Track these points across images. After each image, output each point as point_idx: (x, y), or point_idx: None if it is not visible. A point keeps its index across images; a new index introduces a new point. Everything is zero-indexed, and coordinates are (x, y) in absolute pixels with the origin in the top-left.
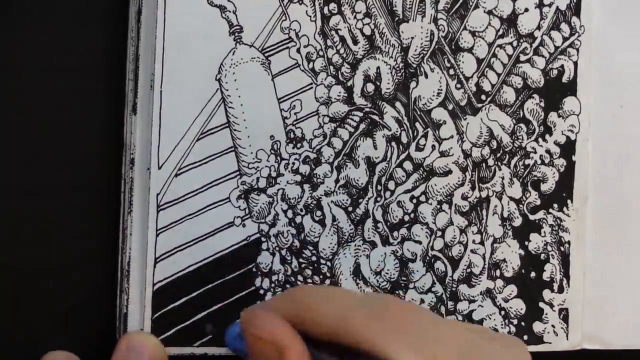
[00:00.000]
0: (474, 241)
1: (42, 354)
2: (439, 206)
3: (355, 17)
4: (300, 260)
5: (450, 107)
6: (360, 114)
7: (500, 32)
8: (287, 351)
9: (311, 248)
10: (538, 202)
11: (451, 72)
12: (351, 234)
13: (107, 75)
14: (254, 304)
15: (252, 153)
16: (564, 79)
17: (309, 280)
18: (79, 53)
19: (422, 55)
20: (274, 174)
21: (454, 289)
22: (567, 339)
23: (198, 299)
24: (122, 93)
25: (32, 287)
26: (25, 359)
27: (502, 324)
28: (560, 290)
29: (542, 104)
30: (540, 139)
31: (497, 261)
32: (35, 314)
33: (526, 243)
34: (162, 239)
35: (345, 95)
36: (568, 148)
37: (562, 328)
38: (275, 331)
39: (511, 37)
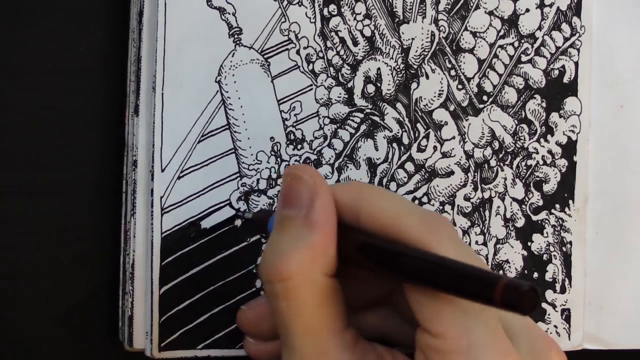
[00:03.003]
0: (477, 242)
1: (42, 354)
2: (441, 207)
3: (355, 19)
4: None
5: (452, 108)
6: (361, 115)
7: (502, 33)
8: (319, 194)
9: None
10: (540, 203)
11: (452, 72)
12: None
13: (108, 76)
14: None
15: (252, 155)
16: (565, 79)
17: None
18: (79, 54)
19: (423, 56)
20: (274, 176)
21: None
22: (569, 340)
23: (201, 302)
24: (124, 94)
25: (32, 287)
26: (25, 359)
27: None
28: (563, 290)
29: (544, 105)
30: (542, 140)
31: (501, 262)
32: (35, 314)
33: (529, 244)
34: (167, 241)
35: (346, 96)
36: (569, 148)
37: (564, 328)
38: (315, 177)
39: (512, 38)
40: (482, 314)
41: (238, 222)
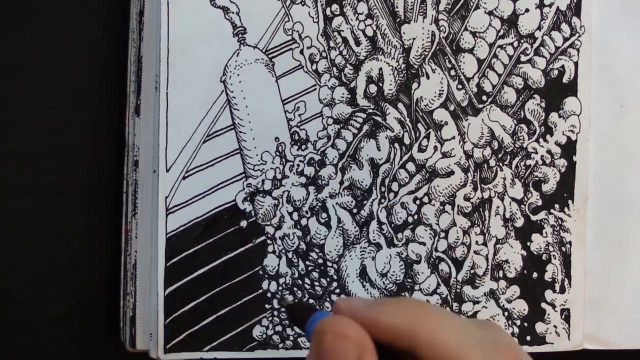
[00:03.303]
0: (477, 242)
1: (42, 354)
2: (442, 207)
3: (357, 18)
4: (307, 262)
5: (452, 107)
6: (364, 116)
7: (501, 33)
8: (367, 353)
9: (317, 250)
10: (539, 203)
11: (452, 72)
12: (356, 236)
13: (108, 76)
14: (352, 297)
15: (257, 155)
16: (565, 79)
17: (316, 283)
18: (79, 54)
19: (423, 56)
20: (279, 176)
21: (458, 290)
22: (569, 339)
23: (206, 303)
24: (124, 94)
25: (32, 287)
26: (25, 359)
27: (505, 325)
28: (562, 290)
29: (543, 105)
30: (541, 140)
31: (500, 262)
32: (35, 314)
33: (528, 244)
34: (172, 242)
35: (349, 96)
36: (569, 148)
37: (564, 328)
38: (361, 333)
39: (512, 38)
40: None
41: (244, 223)
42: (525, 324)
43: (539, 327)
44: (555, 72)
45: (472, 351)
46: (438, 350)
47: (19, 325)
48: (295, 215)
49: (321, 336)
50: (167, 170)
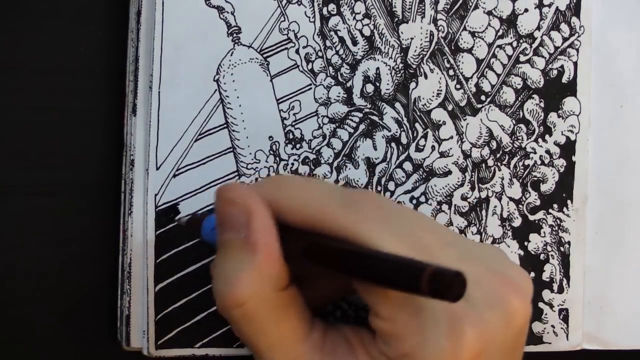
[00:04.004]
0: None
1: (42, 354)
2: (438, 207)
3: (354, 18)
4: None
5: (450, 107)
6: (360, 115)
7: (500, 33)
8: (254, 214)
9: None
10: (538, 203)
11: (451, 72)
12: None
13: (108, 77)
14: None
15: (250, 154)
16: (564, 80)
17: None
18: (79, 54)
19: (421, 55)
20: (273, 175)
21: None
22: (567, 339)
23: (198, 300)
24: (124, 94)
25: (31, 287)
26: (25, 359)
27: None
28: (560, 290)
29: (542, 105)
30: (540, 140)
31: None
32: (35, 314)
33: (525, 243)
34: (161, 239)
35: (345, 96)
36: (568, 148)
37: (562, 328)
38: (246, 196)
39: (511, 38)
40: None
41: None
42: None
43: (536, 326)
44: (555, 72)
45: (328, 206)
46: (298, 213)
47: (18, 325)
48: None
49: (216, 201)
50: (157, 169)
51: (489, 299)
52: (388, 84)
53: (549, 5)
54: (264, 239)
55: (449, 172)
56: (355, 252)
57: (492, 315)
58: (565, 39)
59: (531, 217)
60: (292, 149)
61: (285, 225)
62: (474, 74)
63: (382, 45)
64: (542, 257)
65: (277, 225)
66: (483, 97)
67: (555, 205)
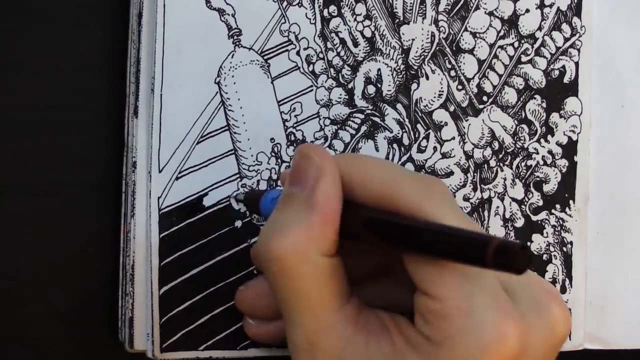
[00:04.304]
0: None
1: (42, 355)
2: None
3: (355, 20)
4: None
5: (452, 108)
6: (362, 116)
7: (502, 33)
8: (325, 175)
9: None
10: (540, 203)
11: (452, 73)
12: None
13: (108, 77)
14: None
15: (252, 156)
16: (566, 80)
17: None
18: (79, 54)
19: (423, 56)
20: (274, 177)
21: None
22: (570, 339)
23: (201, 303)
24: (124, 95)
25: (32, 287)
26: (25, 359)
27: None
28: (563, 290)
29: (544, 105)
30: (542, 140)
31: None
32: (35, 314)
33: (528, 244)
34: (165, 242)
35: (346, 97)
36: (570, 148)
37: None
38: (324, 157)
39: (512, 38)
40: (482, 275)
41: (238, 224)
42: None
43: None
44: (556, 72)
45: (400, 184)
46: (369, 189)
47: (18, 325)
48: None
49: (295, 155)
50: (160, 171)
51: (533, 303)
52: (389, 85)
53: (550, 6)
54: (326, 200)
55: (451, 173)
56: (421, 225)
57: (537, 320)
58: (566, 39)
59: (534, 218)
60: (293, 150)
61: (350, 200)
62: (475, 74)
63: (383, 46)
64: (544, 257)
65: (342, 196)
66: (485, 98)
67: (557, 206)
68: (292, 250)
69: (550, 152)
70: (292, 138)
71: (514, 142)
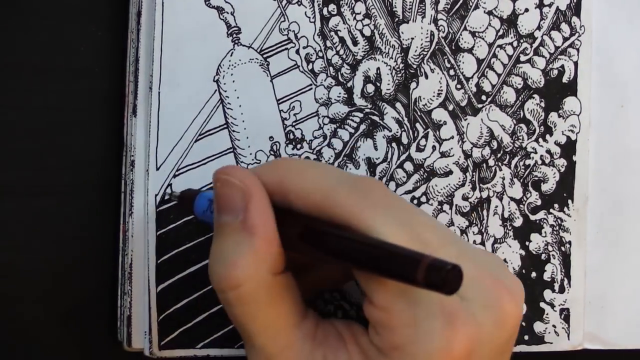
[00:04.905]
0: (474, 242)
1: (42, 354)
2: (439, 207)
3: (354, 18)
4: None
5: (451, 107)
6: (361, 115)
7: (501, 33)
8: (253, 197)
9: None
10: (539, 202)
11: (451, 72)
12: None
13: (108, 77)
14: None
15: (251, 154)
16: (565, 79)
17: None
18: (79, 54)
19: (422, 55)
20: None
21: None
22: (569, 339)
23: (199, 301)
24: (124, 94)
25: (32, 287)
26: (25, 359)
27: None
28: (562, 290)
29: (543, 104)
30: (540, 139)
31: None
32: (35, 314)
33: (527, 243)
34: (161, 239)
35: (345, 96)
36: (568, 148)
37: (563, 328)
38: (245, 178)
39: (511, 38)
40: None
41: None
42: (523, 323)
43: (538, 326)
44: (555, 71)
45: (335, 191)
46: (304, 197)
47: (18, 325)
48: None
49: (214, 184)
50: (157, 169)
51: (483, 300)
52: (389, 84)
53: (550, 5)
54: (261, 222)
55: (450, 172)
56: (354, 239)
57: (486, 316)
58: (565, 39)
59: (532, 217)
60: (292, 149)
61: (283, 209)
62: (474, 73)
63: (382, 45)
64: (543, 257)
65: (275, 209)
66: (484, 97)
67: (556, 205)
68: (245, 276)
69: (548, 151)
70: (291, 137)
71: (512, 141)
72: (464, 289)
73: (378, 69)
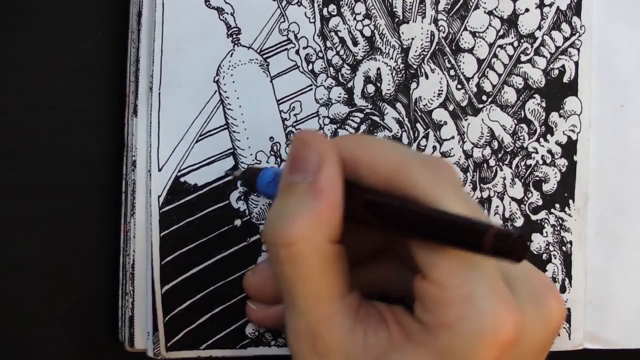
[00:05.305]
0: None
1: (42, 355)
2: None
3: (355, 19)
4: None
5: (451, 107)
6: (361, 115)
7: (501, 33)
8: (326, 161)
9: None
10: (540, 203)
11: (452, 72)
12: None
13: (108, 77)
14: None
15: (251, 154)
16: (565, 79)
17: None
18: (79, 54)
19: (422, 56)
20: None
21: None
22: (570, 339)
23: (202, 302)
24: (124, 94)
25: (32, 287)
26: (25, 359)
27: None
28: (562, 290)
29: (543, 104)
30: (541, 139)
31: None
32: (35, 314)
33: (528, 243)
34: (165, 240)
35: (346, 96)
36: (569, 148)
37: (564, 328)
38: (323, 143)
39: (512, 38)
40: (483, 264)
41: (238, 222)
42: None
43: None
44: (556, 71)
45: (408, 167)
46: (376, 171)
47: (18, 325)
48: None
49: (292, 143)
50: (159, 170)
51: (532, 296)
52: (389, 85)
53: (550, 5)
54: (329, 186)
55: None
56: (423, 210)
57: (534, 312)
58: (566, 39)
59: (533, 217)
60: None
61: (351, 182)
62: (475, 74)
63: (382, 45)
64: (544, 256)
65: (344, 180)
66: (484, 97)
67: (557, 205)
68: (302, 236)
69: (549, 151)
70: (291, 137)
71: (513, 141)
72: (514, 282)
73: (378, 69)
